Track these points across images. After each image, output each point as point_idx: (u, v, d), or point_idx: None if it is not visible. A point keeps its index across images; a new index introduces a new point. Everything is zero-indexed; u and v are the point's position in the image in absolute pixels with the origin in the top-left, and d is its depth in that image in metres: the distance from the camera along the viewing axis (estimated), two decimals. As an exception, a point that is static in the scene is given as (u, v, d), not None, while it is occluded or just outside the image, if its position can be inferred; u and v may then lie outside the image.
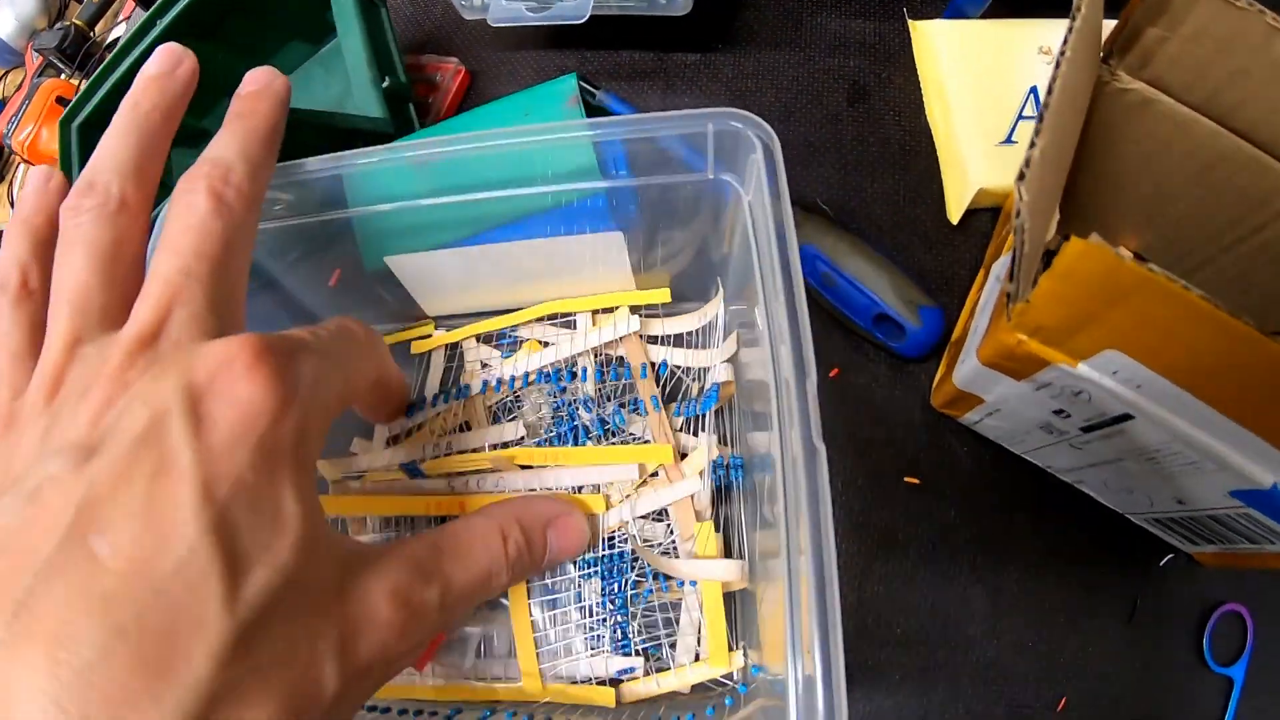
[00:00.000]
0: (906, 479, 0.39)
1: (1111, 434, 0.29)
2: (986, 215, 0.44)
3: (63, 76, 0.98)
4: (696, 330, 0.38)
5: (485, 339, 0.40)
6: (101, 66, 0.51)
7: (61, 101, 0.92)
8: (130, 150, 0.24)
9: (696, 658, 0.35)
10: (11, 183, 1.02)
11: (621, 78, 0.49)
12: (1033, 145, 0.23)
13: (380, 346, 0.28)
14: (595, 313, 0.39)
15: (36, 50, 0.98)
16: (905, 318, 0.38)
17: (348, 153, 0.32)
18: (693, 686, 0.34)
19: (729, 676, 0.34)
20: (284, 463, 0.19)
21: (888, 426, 0.40)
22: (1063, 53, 0.25)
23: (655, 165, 0.32)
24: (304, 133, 0.40)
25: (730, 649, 0.33)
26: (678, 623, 0.35)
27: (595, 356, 0.38)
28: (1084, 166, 0.36)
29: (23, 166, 1.01)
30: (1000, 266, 0.33)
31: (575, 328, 0.39)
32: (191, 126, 0.55)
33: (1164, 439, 0.28)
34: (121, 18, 0.95)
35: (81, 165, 0.50)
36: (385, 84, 0.44)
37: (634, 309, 0.38)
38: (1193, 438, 0.26)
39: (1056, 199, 0.29)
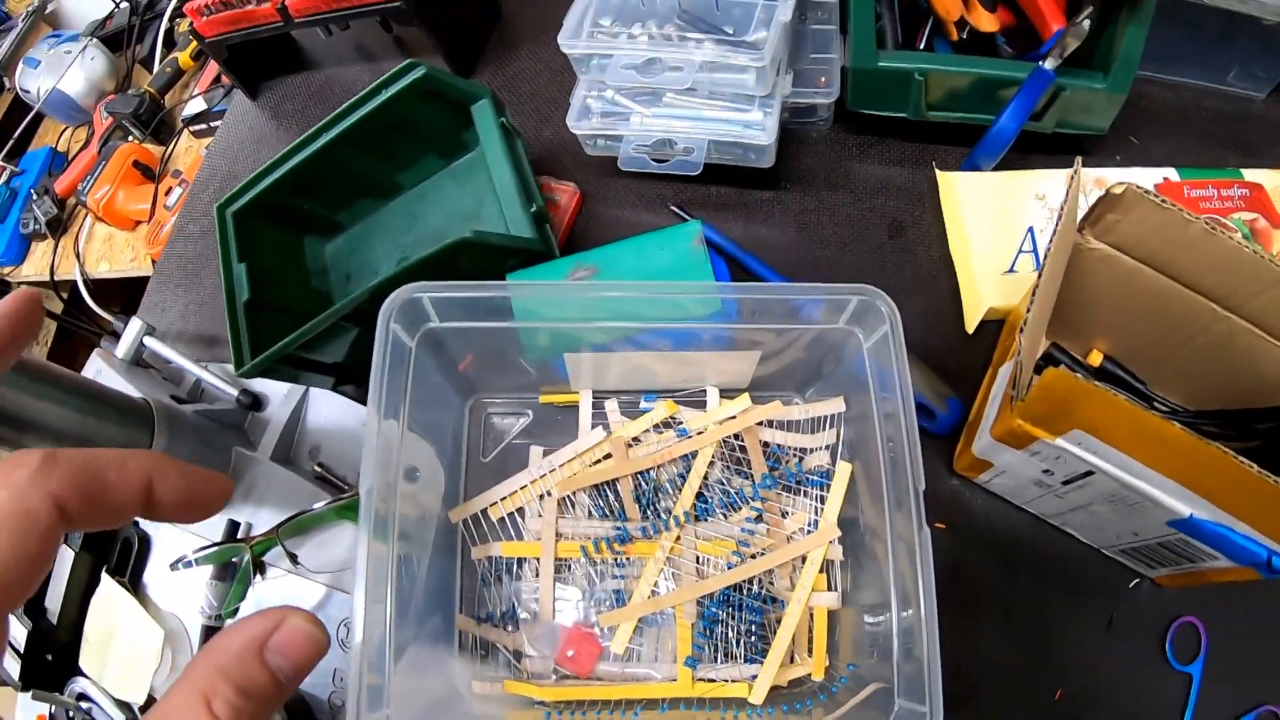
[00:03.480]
0: (936, 525, 0.57)
1: (1082, 485, 0.47)
2: (994, 326, 0.62)
3: (130, 139, 1.13)
4: (801, 419, 0.56)
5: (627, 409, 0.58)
6: (265, 166, 0.67)
7: (139, 166, 1.09)
8: None
9: (792, 659, 0.52)
10: (78, 236, 1.16)
11: (710, 208, 0.68)
12: (1029, 310, 0.41)
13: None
14: (721, 396, 0.57)
15: (109, 112, 1.14)
16: (936, 406, 0.56)
17: (534, 282, 0.50)
18: (790, 681, 0.51)
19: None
20: None
21: (921, 485, 0.58)
22: (1048, 249, 0.43)
23: (757, 312, 0.50)
24: (475, 249, 0.58)
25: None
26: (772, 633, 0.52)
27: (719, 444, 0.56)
28: (1070, 297, 0.54)
29: (89, 220, 1.15)
30: (1005, 370, 0.51)
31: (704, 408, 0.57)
32: (327, 219, 0.73)
33: (1116, 487, 0.45)
34: (197, 91, 1.12)
35: (237, 248, 0.66)
36: (533, 209, 0.62)
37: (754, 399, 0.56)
38: (1134, 485, 0.44)
39: (1043, 331, 0.46)
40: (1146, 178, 0.64)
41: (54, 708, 0.63)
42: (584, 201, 0.70)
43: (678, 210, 0.66)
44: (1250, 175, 0.65)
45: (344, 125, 0.65)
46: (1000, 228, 0.63)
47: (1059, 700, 0.53)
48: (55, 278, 1.13)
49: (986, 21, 0.64)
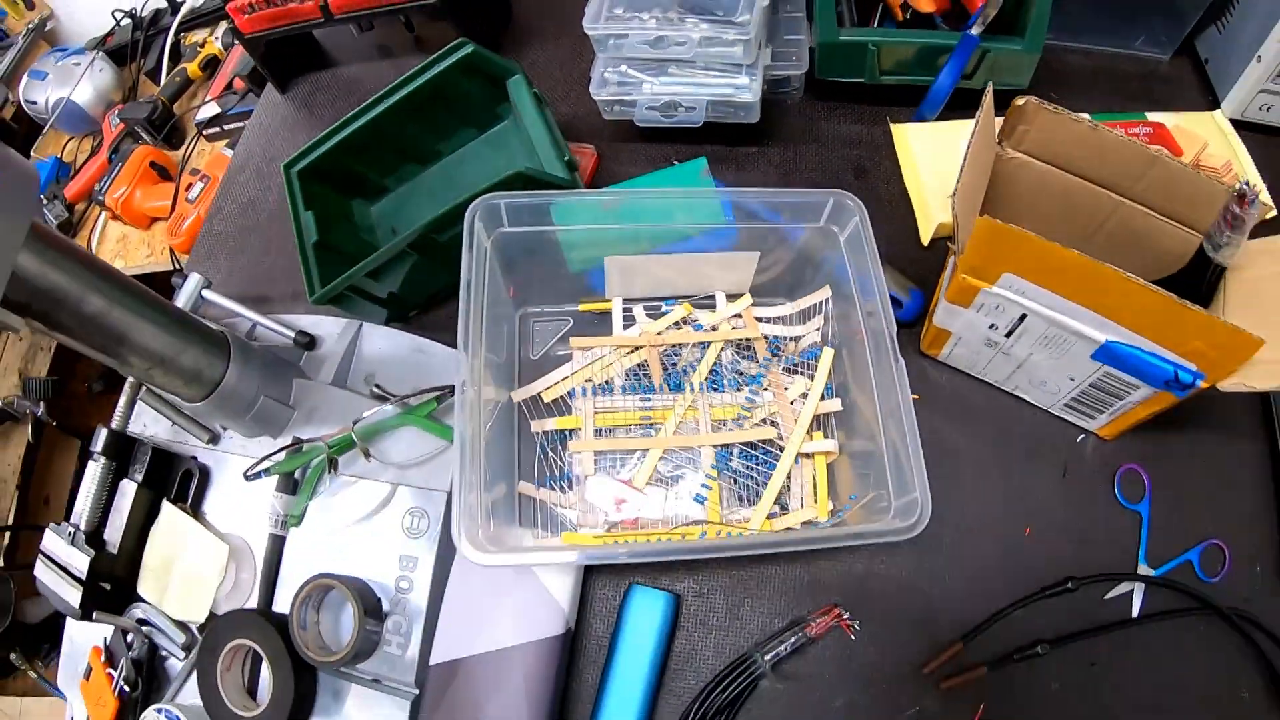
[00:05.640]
0: (911, 395, 0.73)
1: (1021, 332, 0.64)
2: (942, 241, 0.80)
3: (141, 143, 1.27)
4: (791, 314, 0.73)
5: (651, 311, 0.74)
6: (326, 131, 0.82)
7: (155, 166, 1.23)
8: None
9: (802, 505, 0.67)
10: (90, 237, 1.28)
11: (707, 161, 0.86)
12: (959, 180, 0.59)
13: None
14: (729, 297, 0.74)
15: (121, 118, 1.29)
16: (901, 295, 0.73)
17: (576, 190, 0.67)
18: (802, 523, 0.66)
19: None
20: None
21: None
22: (970, 140, 0.61)
23: (752, 215, 0.67)
24: (526, 181, 0.72)
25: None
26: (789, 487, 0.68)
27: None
28: (1001, 206, 0.71)
29: (101, 221, 1.27)
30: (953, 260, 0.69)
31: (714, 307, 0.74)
32: (375, 182, 0.88)
33: (1045, 326, 0.61)
34: (210, 96, 1.28)
35: (303, 199, 0.81)
36: (565, 158, 0.78)
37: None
38: (1057, 319, 0.59)
39: (975, 204, 0.63)
40: (1062, 123, 0.84)
41: (112, 635, 0.70)
42: (600, 162, 0.88)
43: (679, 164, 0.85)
44: (1153, 117, 0.84)
45: (400, 95, 0.80)
46: (944, 164, 0.81)
47: (1029, 535, 0.68)
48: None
49: (925, 3, 0.84)
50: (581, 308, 0.75)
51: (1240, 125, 0.86)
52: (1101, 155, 0.64)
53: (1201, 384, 0.58)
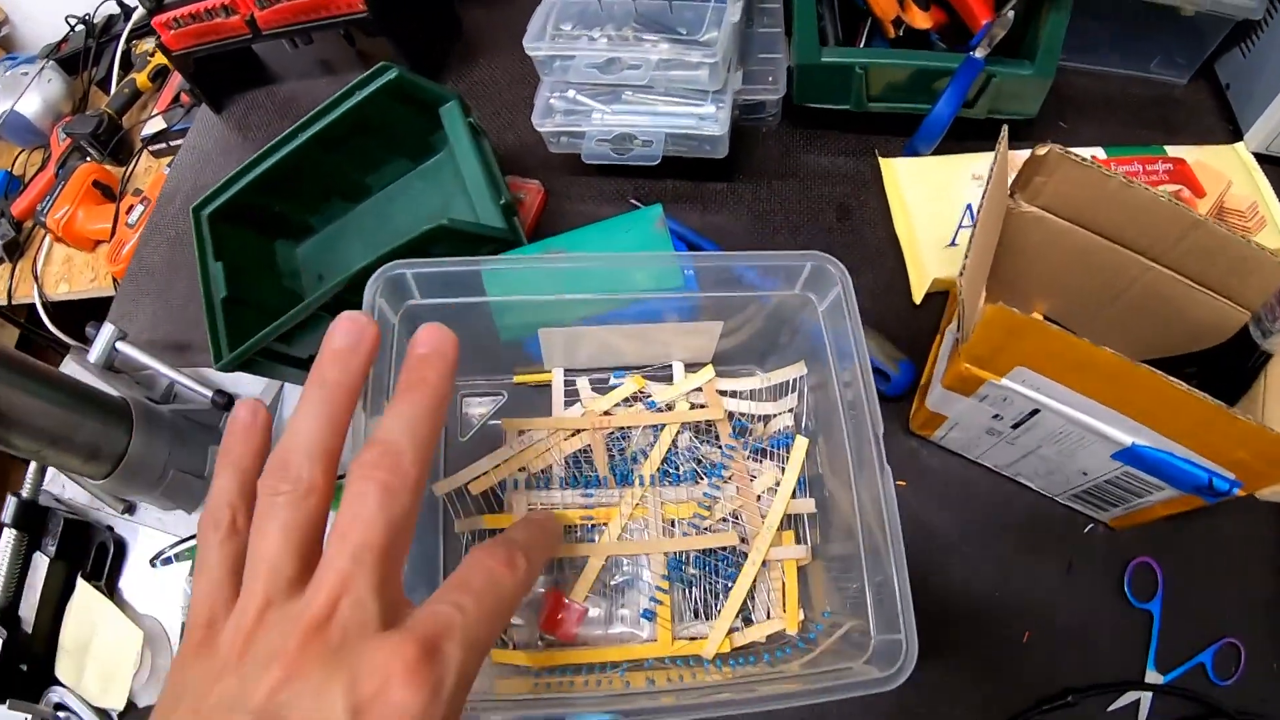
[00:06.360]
0: (897, 482, 0.60)
1: (1030, 426, 0.51)
2: (939, 297, 0.67)
3: (88, 160, 1.14)
4: (761, 389, 0.60)
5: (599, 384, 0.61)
6: (239, 168, 0.70)
7: (99, 185, 1.09)
8: (318, 433, 0.28)
9: (768, 615, 0.55)
10: (35, 259, 1.15)
11: (667, 200, 0.72)
12: (966, 257, 0.45)
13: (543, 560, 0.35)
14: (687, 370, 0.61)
15: (67, 133, 1.15)
16: (888, 368, 0.60)
17: (507, 256, 0.53)
18: (768, 636, 0.54)
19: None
20: None
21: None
22: (981, 205, 0.48)
23: (719, 282, 0.53)
24: (449, 237, 0.60)
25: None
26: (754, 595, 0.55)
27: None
28: (1006, 260, 0.59)
29: (47, 242, 1.14)
30: (953, 328, 0.55)
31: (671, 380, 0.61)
32: (299, 222, 0.75)
33: (1061, 423, 0.49)
34: (156, 111, 1.14)
35: (213, 247, 0.68)
36: (502, 201, 0.65)
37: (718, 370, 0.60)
38: (1076, 418, 0.48)
39: (983, 283, 0.51)
40: (1075, 155, 0.70)
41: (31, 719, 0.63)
42: (548, 198, 0.74)
43: (636, 203, 0.70)
44: (1173, 151, 0.71)
45: (318, 126, 0.67)
46: (940, 206, 0.68)
47: (1026, 641, 0.57)
48: (12, 301, 1.13)
49: (921, 19, 0.70)
50: (517, 380, 0.62)
51: (1265, 159, 0.73)
52: (1133, 214, 0.51)
53: (1238, 493, 0.47)
